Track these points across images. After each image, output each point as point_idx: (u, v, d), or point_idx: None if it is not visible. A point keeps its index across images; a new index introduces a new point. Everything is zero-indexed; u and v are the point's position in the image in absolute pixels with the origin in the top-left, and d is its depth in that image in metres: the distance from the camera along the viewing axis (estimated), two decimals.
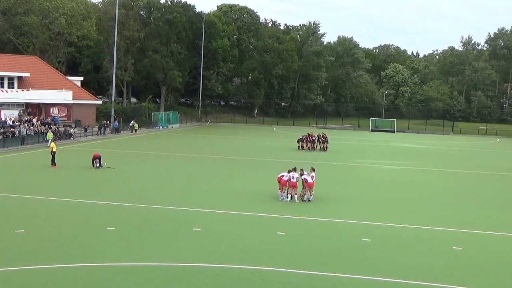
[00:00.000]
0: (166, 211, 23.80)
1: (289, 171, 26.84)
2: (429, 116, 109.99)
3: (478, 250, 19.43)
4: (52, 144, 38.07)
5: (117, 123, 67.60)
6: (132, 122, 69.74)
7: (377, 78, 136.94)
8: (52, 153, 36.58)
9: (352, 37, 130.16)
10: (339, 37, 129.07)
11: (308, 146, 52.50)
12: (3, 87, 60.96)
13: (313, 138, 53.23)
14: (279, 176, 27.20)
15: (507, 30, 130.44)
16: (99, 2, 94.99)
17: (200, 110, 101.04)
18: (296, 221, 22.82)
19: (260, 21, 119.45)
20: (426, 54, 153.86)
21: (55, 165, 36.17)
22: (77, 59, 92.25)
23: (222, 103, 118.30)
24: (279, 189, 27.12)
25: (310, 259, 17.48)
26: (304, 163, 33.78)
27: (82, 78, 76.12)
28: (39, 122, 57.18)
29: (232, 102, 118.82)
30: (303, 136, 54.08)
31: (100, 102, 75.23)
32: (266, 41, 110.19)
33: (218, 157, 45.15)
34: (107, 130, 64.33)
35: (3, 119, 55.26)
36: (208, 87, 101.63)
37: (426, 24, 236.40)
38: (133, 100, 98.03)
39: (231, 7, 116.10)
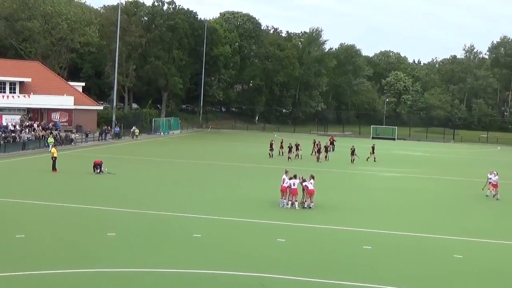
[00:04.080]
0: (166, 217, 23.78)
1: (288, 177, 26.90)
2: (430, 124, 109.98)
3: (479, 258, 19.39)
4: (53, 150, 38.07)
5: (118, 129, 67.68)
6: (133, 128, 69.82)
7: (378, 85, 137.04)
8: (53, 158, 36.61)
9: (354, 44, 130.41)
10: (340, 44, 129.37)
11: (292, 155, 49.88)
12: (4, 92, 61.05)
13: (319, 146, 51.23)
14: (282, 184, 27.19)
15: (510, 39, 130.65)
16: (101, 8, 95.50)
17: (201, 117, 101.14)
18: (296, 228, 22.79)
19: (262, 28, 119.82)
20: (426, 62, 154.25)
21: (56, 170, 36.18)
22: (78, 65, 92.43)
23: (223, 109, 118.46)
24: (284, 197, 27.07)
25: (310, 266, 17.45)
26: (305, 171, 33.75)
27: (83, 84, 76.29)
28: (40, 127, 57.25)
29: (233, 109, 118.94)
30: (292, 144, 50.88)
31: (101, 107, 75.38)
32: (267, 48, 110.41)
33: (219, 163, 45.13)
34: (108, 136, 64.39)
35: (4, 124, 55.36)
36: (209, 94, 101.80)
37: (427, 32, 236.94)
38: (134, 106, 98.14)
39: (233, 14, 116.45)
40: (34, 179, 33.68)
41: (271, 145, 51.38)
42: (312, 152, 54.96)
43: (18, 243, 18.84)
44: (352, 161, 48.59)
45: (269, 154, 51.05)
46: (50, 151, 39.62)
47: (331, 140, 65.14)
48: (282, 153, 52.58)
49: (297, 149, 50.71)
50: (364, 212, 26.79)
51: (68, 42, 79.57)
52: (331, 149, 61.68)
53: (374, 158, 51.10)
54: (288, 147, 49.66)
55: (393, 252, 19.63)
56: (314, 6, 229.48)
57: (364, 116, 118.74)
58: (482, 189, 33.26)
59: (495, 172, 32.71)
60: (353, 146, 50.72)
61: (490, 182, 32.55)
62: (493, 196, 32.20)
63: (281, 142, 53.78)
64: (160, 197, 28.67)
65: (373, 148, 52.16)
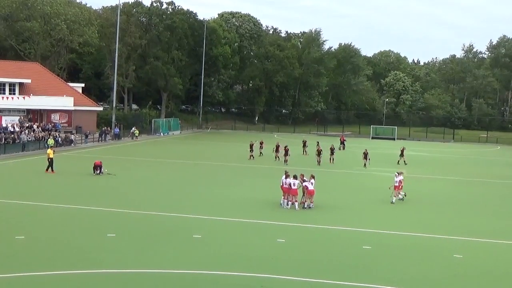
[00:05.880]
0: (166, 218, 23.78)
1: (286, 177, 26.94)
2: (429, 123, 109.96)
3: (479, 258, 19.39)
4: (49, 151, 37.63)
5: (118, 130, 67.66)
6: (133, 128, 69.81)
7: (378, 85, 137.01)
8: (49, 159, 36.45)
9: (353, 44, 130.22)
10: (340, 44, 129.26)
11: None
12: (4, 93, 61.07)
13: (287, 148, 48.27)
14: (281, 184, 27.23)
15: (509, 38, 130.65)
16: (100, 9, 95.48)
17: (201, 117, 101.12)
18: (296, 228, 22.79)
19: (262, 28, 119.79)
20: (426, 62, 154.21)
21: (52, 171, 36.04)
22: (78, 66, 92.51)
23: (223, 110, 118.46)
24: (285, 196, 27.08)
25: (310, 266, 17.45)
26: (304, 171, 33.71)
27: (83, 85, 76.31)
28: (40, 128, 57.24)
29: (233, 109, 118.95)
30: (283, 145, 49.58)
31: (101, 108, 75.45)
32: (267, 48, 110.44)
33: (218, 164, 45.14)
34: (108, 137, 64.36)
35: (4, 125, 55.33)
36: (209, 94, 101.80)
37: (427, 32, 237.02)
38: (134, 106, 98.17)
39: (232, 14, 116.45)
40: (34, 181, 33.67)
41: (251, 146, 49.51)
42: (303, 152, 54.60)
43: (18, 244, 18.84)
44: (365, 165, 46.07)
45: (250, 156, 49.14)
46: (47, 152, 39.44)
47: (342, 139, 64.82)
48: (262, 153, 51.62)
49: (277, 150, 48.90)
50: (364, 212, 26.79)
51: (68, 43, 79.60)
52: (342, 147, 61.55)
53: (404, 160, 49.53)
54: (285, 149, 47.57)
55: (393, 252, 19.63)
56: (313, 6, 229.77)
57: (364, 116, 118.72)
58: (389, 188, 30.34)
59: (397, 173, 30.30)
60: (365, 149, 48.47)
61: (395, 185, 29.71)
62: (391, 197, 29.59)
63: (261, 143, 52.68)
64: (160, 198, 28.67)
65: (402, 150, 50.41)
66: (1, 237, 19.63)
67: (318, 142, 52.64)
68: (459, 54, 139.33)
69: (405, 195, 30.23)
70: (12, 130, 52.67)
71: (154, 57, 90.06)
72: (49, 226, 21.73)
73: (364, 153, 47.25)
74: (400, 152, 50.64)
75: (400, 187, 29.88)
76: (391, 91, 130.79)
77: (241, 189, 32.65)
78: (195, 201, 27.96)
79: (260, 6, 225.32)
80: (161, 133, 78.07)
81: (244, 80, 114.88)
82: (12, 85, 62.33)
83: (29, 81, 63.54)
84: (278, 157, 48.44)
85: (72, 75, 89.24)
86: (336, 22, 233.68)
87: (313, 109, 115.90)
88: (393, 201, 29.45)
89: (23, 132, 52.08)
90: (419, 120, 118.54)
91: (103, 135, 63.92)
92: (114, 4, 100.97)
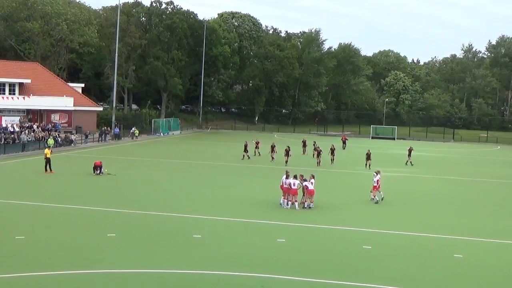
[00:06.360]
0: (166, 218, 23.78)
1: (287, 177, 26.93)
2: (429, 123, 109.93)
3: (480, 258, 19.39)
4: (46, 150, 37.52)
5: (118, 130, 67.66)
6: (133, 128, 69.81)
7: (378, 85, 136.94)
8: (46, 159, 36.39)
9: (353, 44, 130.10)
10: (340, 44, 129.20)
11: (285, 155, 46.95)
12: (4, 94, 61.06)
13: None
14: (281, 184, 27.24)
15: (509, 38, 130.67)
16: (100, 9, 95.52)
17: (201, 117, 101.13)
18: (296, 228, 22.79)
19: (261, 28, 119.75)
20: (426, 62, 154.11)
21: (50, 171, 36.01)
22: (78, 66, 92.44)
23: (223, 110, 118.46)
24: (285, 196, 27.06)
25: (310, 266, 17.45)
26: (306, 170, 33.73)
27: (83, 85, 76.31)
28: (39, 128, 57.22)
29: (233, 109, 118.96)
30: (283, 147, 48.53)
31: (101, 108, 75.45)
32: (267, 48, 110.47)
33: (218, 164, 45.13)
34: (108, 137, 64.35)
35: (4, 125, 55.33)
36: (209, 94, 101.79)
37: (427, 32, 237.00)
38: (134, 106, 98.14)
39: (232, 14, 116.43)
40: (34, 181, 33.66)
41: (245, 146, 49.00)
42: (303, 151, 54.47)
43: (18, 244, 18.83)
44: (367, 166, 45.27)
45: (243, 155, 48.69)
46: (44, 152, 39.31)
47: (343, 139, 64.77)
48: (259, 153, 51.18)
49: (272, 151, 48.21)
50: (364, 212, 26.79)
51: (68, 43, 79.59)
52: (343, 147, 61.56)
53: (411, 161, 48.94)
54: (286, 150, 46.58)
55: (393, 252, 19.63)
56: (313, 6, 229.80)
57: (364, 116, 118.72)
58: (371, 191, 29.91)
59: (375, 173, 29.91)
60: (369, 150, 47.89)
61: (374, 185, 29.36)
62: (371, 199, 29.50)
63: (257, 143, 52.26)
64: (160, 198, 28.67)
65: (410, 151, 49.66)
66: (1, 237, 19.63)
67: (314, 143, 52.48)
68: (459, 54, 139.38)
69: (382, 199, 29.59)
70: (12, 130, 52.68)
71: (154, 57, 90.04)
72: (49, 226, 21.73)
73: (367, 154, 46.71)
74: (408, 152, 50.02)
75: (378, 186, 29.45)
76: (391, 91, 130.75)
77: (241, 189, 32.65)
78: (195, 201, 27.95)
79: (260, 6, 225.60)
80: (161, 133, 78.07)
81: (244, 80, 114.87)
82: (12, 85, 62.31)
83: (29, 81, 63.53)
84: (273, 157, 48.02)
85: (72, 75, 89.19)
86: (336, 22, 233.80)
87: (313, 109, 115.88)
88: (373, 198, 29.24)
89: (23, 132, 52.08)
90: (419, 120, 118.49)
91: (103, 135, 63.92)
92: (114, 4, 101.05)
